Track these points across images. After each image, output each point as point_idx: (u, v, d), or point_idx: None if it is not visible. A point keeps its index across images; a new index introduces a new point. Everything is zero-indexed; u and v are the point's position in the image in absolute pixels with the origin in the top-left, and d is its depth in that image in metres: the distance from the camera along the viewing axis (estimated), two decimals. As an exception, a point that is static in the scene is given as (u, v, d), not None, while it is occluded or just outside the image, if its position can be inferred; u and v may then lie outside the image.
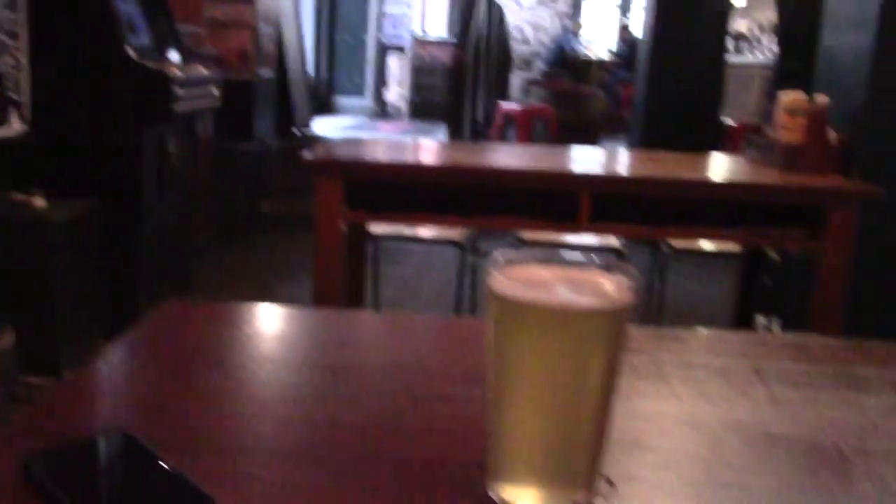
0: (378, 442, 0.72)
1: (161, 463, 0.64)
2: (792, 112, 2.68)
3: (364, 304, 3.35)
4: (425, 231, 3.51)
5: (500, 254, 0.63)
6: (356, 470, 0.67)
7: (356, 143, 3.33)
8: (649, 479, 0.67)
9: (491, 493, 0.63)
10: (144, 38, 3.81)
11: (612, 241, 3.33)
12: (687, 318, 4.14)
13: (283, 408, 0.78)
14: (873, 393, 0.87)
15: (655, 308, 3.54)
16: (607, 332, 0.59)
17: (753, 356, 0.95)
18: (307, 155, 2.56)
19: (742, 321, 3.33)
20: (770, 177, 2.67)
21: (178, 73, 3.73)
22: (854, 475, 0.69)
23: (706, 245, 3.59)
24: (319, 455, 0.69)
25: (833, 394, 0.86)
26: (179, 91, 3.63)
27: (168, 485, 0.62)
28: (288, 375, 0.85)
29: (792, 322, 3.37)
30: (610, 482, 0.66)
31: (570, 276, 0.63)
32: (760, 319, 3.49)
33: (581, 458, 0.62)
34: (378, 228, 3.46)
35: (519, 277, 0.61)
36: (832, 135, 2.72)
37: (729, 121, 6.91)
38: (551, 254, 0.64)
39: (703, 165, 3.08)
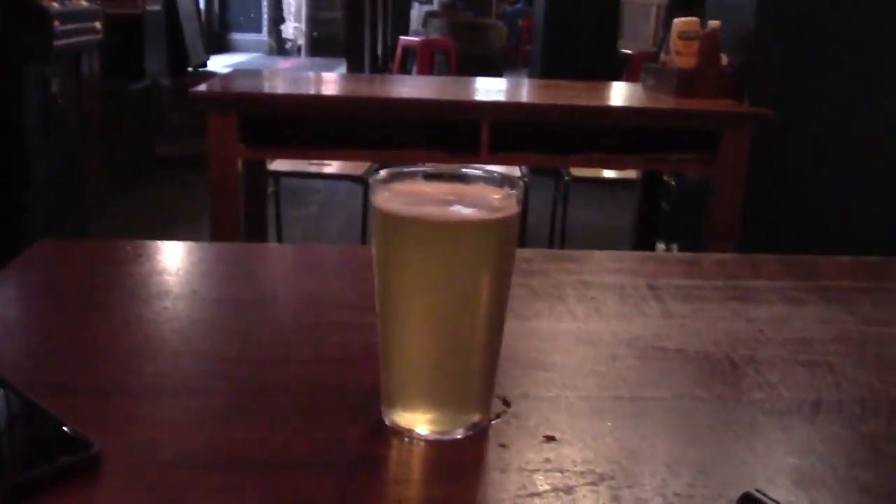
0: (269, 374, 0.69)
1: (35, 406, 0.60)
2: (685, 37, 2.71)
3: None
4: (327, 168, 3.45)
5: (384, 171, 0.60)
6: (247, 403, 0.64)
7: (251, 74, 3.22)
8: (546, 397, 0.67)
9: (386, 420, 0.61)
10: (17, -30, 3.57)
11: (516, 171, 3.33)
12: (588, 245, 4.20)
13: (168, 345, 0.75)
14: (763, 304, 0.88)
15: (558, 236, 3.58)
16: (492, 244, 0.58)
17: (647, 274, 0.96)
18: (199, 88, 2.46)
19: (641, 247, 3.40)
20: (665, 102, 2.70)
21: (55, 6, 3.52)
22: (745, 384, 0.70)
23: (606, 173, 3.64)
24: (208, 389, 0.66)
25: (724, 307, 0.87)
26: (59, 25, 3.43)
27: (44, 429, 0.58)
28: (173, 311, 0.82)
29: (690, 247, 3.46)
30: (506, 402, 0.65)
31: (454, 190, 0.60)
32: (660, 246, 3.57)
33: (474, 378, 0.60)
34: (279, 166, 3.38)
35: (402, 193, 0.59)
36: (724, 59, 2.76)
37: (628, 51, 6.97)
38: (437, 169, 0.62)
39: (601, 93, 3.10)
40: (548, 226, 3.76)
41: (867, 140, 2.96)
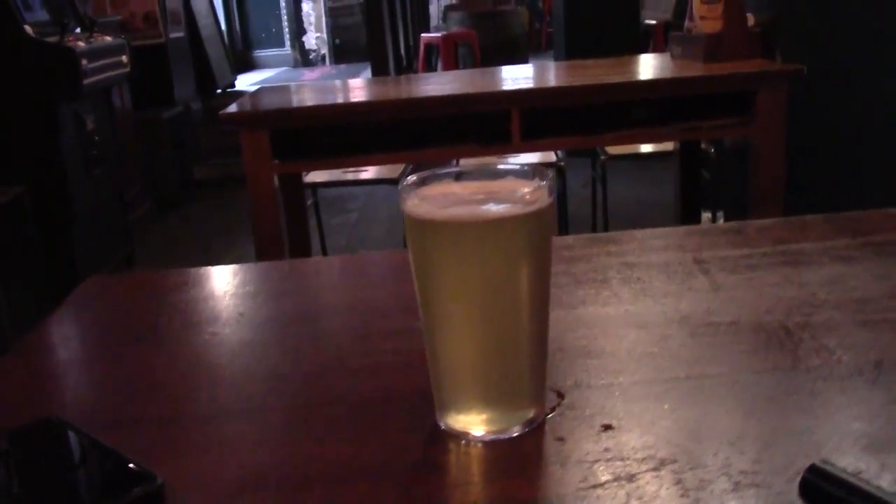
0: (322, 387, 0.70)
1: (98, 445, 0.61)
2: (708, 0, 2.66)
3: (312, 256, 3.31)
4: (364, 174, 3.46)
5: (412, 176, 0.60)
6: (302, 418, 0.65)
7: (277, 90, 3.24)
8: (599, 385, 0.66)
9: (441, 424, 0.61)
10: (40, 14, 3.64)
11: (551, 156, 3.31)
12: (633, 223, 4.16)
13: (219, 370, 0.75)
14: (814, 266, 0.87)
15: (600, 217, 3.55)
16: (528, 238, 0.57)
17: (692, 248, 0.94)
18: (228, 109, 2.49)
19: (687, 219, 3.36)
20: (695, 69, 2.66)
21: (81, 45, 3.58)
22: (802, 351, 0.69)
23: (643, 148, 3.59)
24: (263, 409, 0.67)
25: (774, 273, 0.85)
26: (86, 63, 3.49)
27: (109, 466, 0.59)
28: (222, 336, 0.82)
29: (736, 213, 3.41)
30: (560, 394, 0.65)
31: (484, 187, 0.60)
32: (705, 216, 3.52)
33: (525, 373, 0.60)
34: (315, 177, 3.40)
35: (432, 196, 0.59)
36: (751, 19, 2.71)
37: (651, 21, 6.88)
38: (465, 168, 0.62)
39: (629, 68, 3.06)
40: (589, 207, 3.74)
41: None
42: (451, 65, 7.46)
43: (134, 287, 1.05)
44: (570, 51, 5.73)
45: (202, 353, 0.79)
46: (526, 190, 0.58)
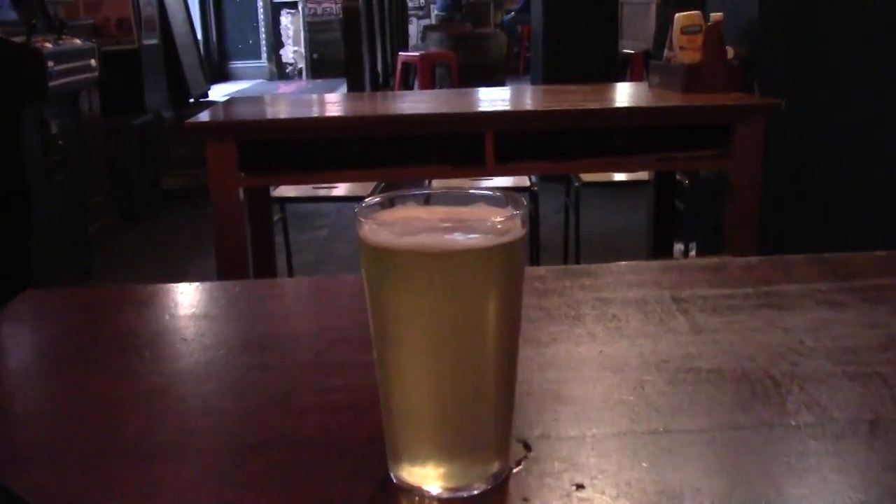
0: (263, 425, 0.63)
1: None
2: (688, 31, 2.64)
3: (278, 274, 3.23)
4: (335, 190, 3.39)
5: (369, 198, 0.54)
6: (237, 460, 0.58)
7: (248, 101, 3.17)
8: (570, 436, 0.60)
9: (393, 477, 0.55)
10: (9, 14, 3.55)
11: (525, 181, 3.26)
12: (604, 251, 4.13)
13: (153, 401, 0.68)
14: (799, 310, 0.81)
15: (572, 245, 3.51)
16: (497, 272, 0.51)
17: (670, 285, 0.89)
18: (194, 119, 2.41)
19: (659, 250, 3.32)
20: (673, 99, 2.63)
21: (49, 46, 3.49)
22: (790, 405, 0.63)
23: (617, 176, 3.56)
24: (198, 449, 0.60)
25: (757, 316, 0.80)
26: (53, 65, 3.40)
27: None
28: (162, 361, 0.75)
29: (709, 246, 3.38)
30: (526, 445, 0.58)
31: (451, 214, 0.54)
32: (678, 247, 3.49)
33: (489, 422, 0.54)
34: (284, 192, 3.32)
35: (391, 221, 0.52)
36: (730, 52, 2.69)
37: (629, 50, 6.91)
38: (431, 191, 0.56)
39: (606, 95, 3.03)
40: (561, 234, 3.69)
41: (887, 124, 2.88)
42: (428, 84, 7.43)
43: (75, 303, 0.97)
44: (548, 76, 5.72)
45: (136, 382, 0.72)
46: (497, 219, 0.52)
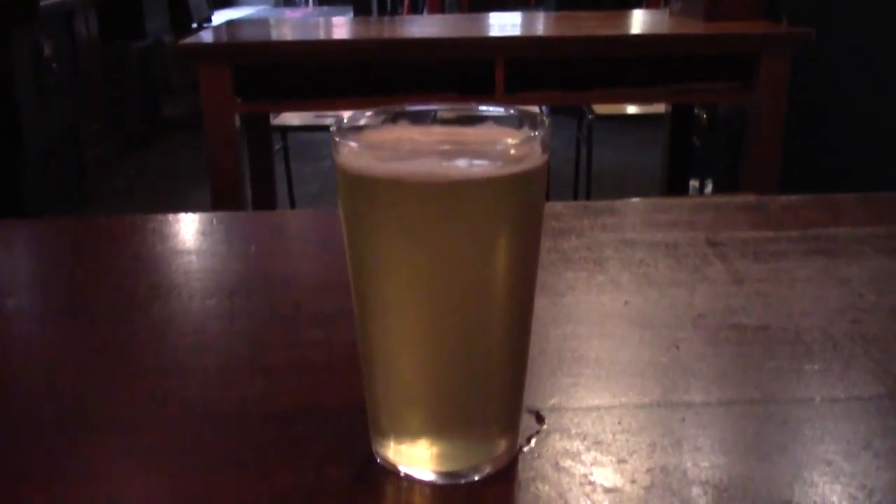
0: (226, 392, 0.53)
1: None
2: (715, -46, 2.47)
3: (278, 206, 3.12)
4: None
5: (350, 113, 0.43)
6: (193, 435, 0.48)
7: (250, 24, 3.02)
8: (591, 407, 0.50)
9: (376, 456, 0.45)
10: (-3, -72, 3.37)
11: (535, 111, 3.12)
12: (616, 188, 4.00)
13: (98, 358, 0.58)
14: (855, 258, 0.71)
15: (583, 181, 3.39)
16: (509, 208, 0.40)
17: (704, 226, 0.78)
18: (188, 40, 2.28)
19: (673, 187, 3.20)
20: (694, 27, 2.48)
21: (39, -37, 3.33)
22: (855, 373, 0.53)
23: (632, 109, 3.42)
24: (144, 418, 0.50)
25: (808, 264, 0.69)
26: (43, -16, 3.24)
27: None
28: (116, 307, 0.65)
29: (726, 184, 3.25)
30: (539, 418, 0.48)
31: (453, 135, 0.43)
32: (693, 184, 3.36)
33: (494, 392, 0.43)
34: (286, 120, 3.20)
35: (376, 143, 0.41)
36: (758, -24, 2.53)
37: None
38: (430, 108, 0.44)
39: (623, 22, 2.88)
40: (572, 169, 3.56)
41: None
42: (438, 11, 7.19)
43: (41, 234, 0.87)
44: (561, 5, 5.51)
45: (82, 332, 0.61)
46: (510, 142, 0.41)
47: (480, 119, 0.44)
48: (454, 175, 0.39)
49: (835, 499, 0.41)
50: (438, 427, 0.43)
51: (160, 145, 5.22)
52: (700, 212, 0.83)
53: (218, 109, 2.19)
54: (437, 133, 0.44)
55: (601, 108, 3.21)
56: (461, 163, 0.40)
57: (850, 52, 2.75)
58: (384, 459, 0.44)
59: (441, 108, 0.45)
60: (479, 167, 0.39)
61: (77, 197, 3.87)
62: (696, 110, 3.18)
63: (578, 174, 3.49)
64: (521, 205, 0.41)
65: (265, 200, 2.85)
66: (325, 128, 3.04)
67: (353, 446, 0.46)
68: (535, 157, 0.41)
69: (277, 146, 3.22)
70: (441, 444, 0.43)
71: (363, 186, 0.40)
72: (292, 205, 3.48)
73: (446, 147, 0.42)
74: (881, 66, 2.71)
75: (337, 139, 0.41)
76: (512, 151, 0.41)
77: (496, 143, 0.42)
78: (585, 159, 3.30)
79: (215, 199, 2.26)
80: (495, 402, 0.44)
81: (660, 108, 3.26)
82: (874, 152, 2.77)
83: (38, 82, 3.45)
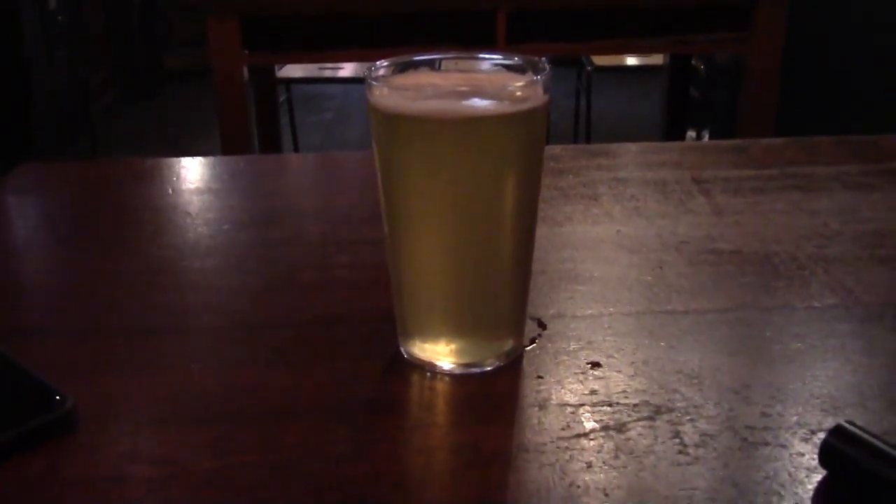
0: (267, 304, 0.61)
1: (1, 356, 0.52)
2: None
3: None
4: (341, 72, 3.31)
5: (381, 61, 0.50)
6: (241, 341, 0.56)
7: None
8: (586, 315, 0.58)
9: (404, 353, 0.53)
10: None
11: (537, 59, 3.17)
12: (616, 138, 4.06)
13: (155, 277, 0.66)
14: (825, 193, 0.78)
15: (582, 130, 3.45)
16: (516, 141, 0.48)
17: (690, 165, 0.86)
18: (195, -6, 2.32)
19: (671, 137, 3.26)
20: (693, -21, 2.52)
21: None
22: (815, 287, 0.61)
23: (630, 61, 3.47)
24: (196, 327, 0.58)
25: (782, 198, 0.77)
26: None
27: (12, 382, 0.51)
28: (162, 237, 0.73)
29: (723, 134, 3.32)
30: (541, 323, 0.57)
31: (468, 80, 0.51)
32: (690, 134, 3.43)
33: (503, 298, 0.52)
34: (289, 72, 3.25)
35: (404, 86, 0.49)
36: (756, -72, 2.56)
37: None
38: (446, 56, 0.52)
39: (623, -26, 2.91)
40: (571, 120, 3.62)
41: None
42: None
43: (74, 176, 0.94)
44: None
45: (136, 258, 0.69)
46: (517, 84, 0.49)
47: (490, 65, 0.52)
48: (469, 112, 0.47)
49: (786, 383, 0.50)
50: (456, 327, 0.52)
51: (164, 96, 5.26)
52: (688, 153, 0.91)
53: (226, 61, 2.24)
54: (454, 78, 0.51)
55: (600, 60, 3.26)
56: (475, 102, 0.47)
57: (849, 4, 2.79)
58: (411, 354, 0.52)
59: (457, 56, 0.52)
60: (490, 105, 0.47)
61: (84, 146, 3.93)
62: (693, 61, 3.23)
63: (578, 125, 3.55)
64: (526, 139, 0.48)
65: (271, 149, 2.91)
66: (328, 80, 3.09)
67: (383, 346, 0.54)
68: (538, 98, 0.48)
69: (282, 98, 3.28)
70: (459, 342, 0.52)
71: (393, 122, 0.47)
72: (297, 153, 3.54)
73: (463, 89, 0.49)
74: (878, 19, 2.75)
75: (370, 81, 0.48)
76: (518, 93, 0.48)
77: (505, 85, 0.49)
78: (585, 110, 3.36)
79: (225, 149, 2.33)
80: (503, 308, 0.52)
81: (658, 59, 3.31)
82: (870, 103, 2.83)
83: (45, 34, 3.49)
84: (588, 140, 3.44)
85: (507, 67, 0.52)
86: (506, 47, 2.34)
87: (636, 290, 0.61)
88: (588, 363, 0.52)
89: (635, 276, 0.63)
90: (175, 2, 5.49)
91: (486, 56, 0.52)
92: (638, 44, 2.54)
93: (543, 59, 0.51)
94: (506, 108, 0.47)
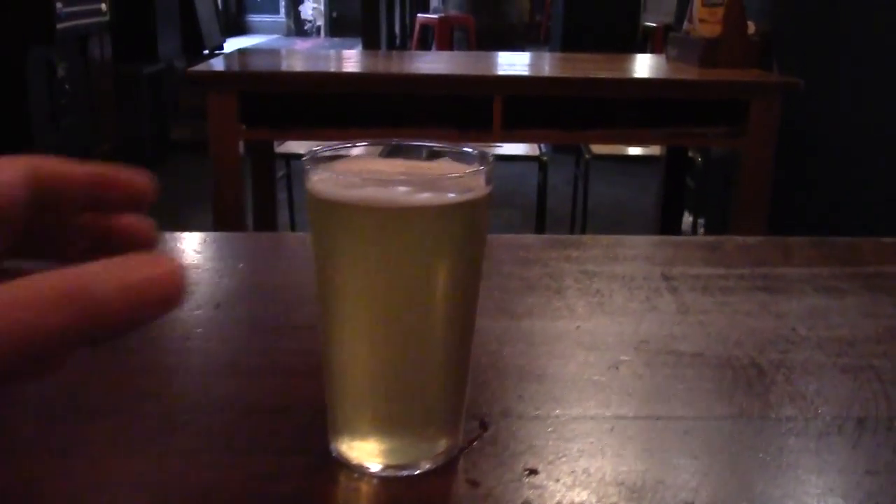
0: (201, 389, 0.59)
1: None
2: (709, 3, 2.56)
3: (279, 230, 3.19)
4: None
5: (323, 146, 0.49)
6: (167, 426, 0.54)
7: (257, 53, 3.11)
8: (532, 416, 0.55)
9: (332, 451, 0.50)
10: (18, -48, 3.48)
11: (535, 150, 3.20)
12: (612, 226, 4.07)
13: (92, 357, 0.64)
14: (796, 296, 0.76)
15: (579, 217, 3.46)
16: (453, 232, 0.46)
17: (662, 261, 0.84)
18: (197, 67, 2.36)
19: (667, 226, 3.27)
20: (689, 73, 2.56)
21: (58, -12, 3.43)
22: (774, 396, 0.58)
23: (629, 150, 3.50)
24: (124, 410, 0.56)
25: (750, 299, 0.75)
26: (61, 7, 3.34)
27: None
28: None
29: (717, 224, 3.32)
30: (483, 423, 0.54)
31: (412, 167, 0.49)
32: (687, 219, 3.43)
33: (436, 396, 0.49)
34: (290, 148, 3.28)
35: (344, 172, 0.48)
36: (751, 27, 2.61)
37: (652, 24, 6.78)
38: (395, 143, 0.51)
39: (621, 66, 2.96)
40: (569, 206, 3.64)
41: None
42: (446, 48, 7.32)
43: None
44: (566, 45, 5.62)
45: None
46: (457, 175, 0.48)
47: (439, 154, 0.51)
48: (404, 202, 0.45)
49: (735, 501, 0.47)
50: (385, 425, 0.49)
51: (167, 167, 5.30)
52: (660, 248, 0.89)
53: (223, 135, 2.26)
54: (397, 165, 0.50)
55: (599, 149, 3.28)
56: (412, 191, 0.46)
57: (840, 103, 2.82)
58: (340, 454, 0.50)
59: (404, 145, 0.51)
60: (426, 196, 0.45)
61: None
62: (690, 153, 3.26)
63: (575, 210, 3.56)
64: (463, 231, 0.47)
65: (266, 224, 2.92)
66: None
67: (315, 440, 0.51)
68: (480, 189, 0.47)
69: (281, 173, 3.30)
70: (387, 441, 0.49)
71: (327, 209, 0.46)
72: (293, 229, 3.55)
73: (403, 178, 0.48)
74: (870, 118, 2.78)
75: (308, 167, 0.47)
76: (461, 183, 0.47)
77: (449, 175, 0.48)
78: (582, 197, 3.38)
79: (217, 222, 2.33)
80: (438, 407, 0.50)
81: (656, 149, 3.34)
82: (862, 198, 2.83)
83: (52, 102, 3.54)
84: (584, 226, 3.45)
85: (455, 156, 0.50)
86: (502, 133, 2.36)
87: (587, 392, 0.59)
88: (525, 469, 0.49)
89: (588, 376, 0.61)
90: (179, 75, 5.59)
91: (434, 145, 0.50)
92: (634, 134, 2.57)
93: (542, 149, 0.49)
94: (442, 199, 0.46)
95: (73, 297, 0.26)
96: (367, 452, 0.49)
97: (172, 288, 0.28)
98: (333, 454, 0.50)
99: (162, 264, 0.28)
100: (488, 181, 0.47)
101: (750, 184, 2.42)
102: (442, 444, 0.50)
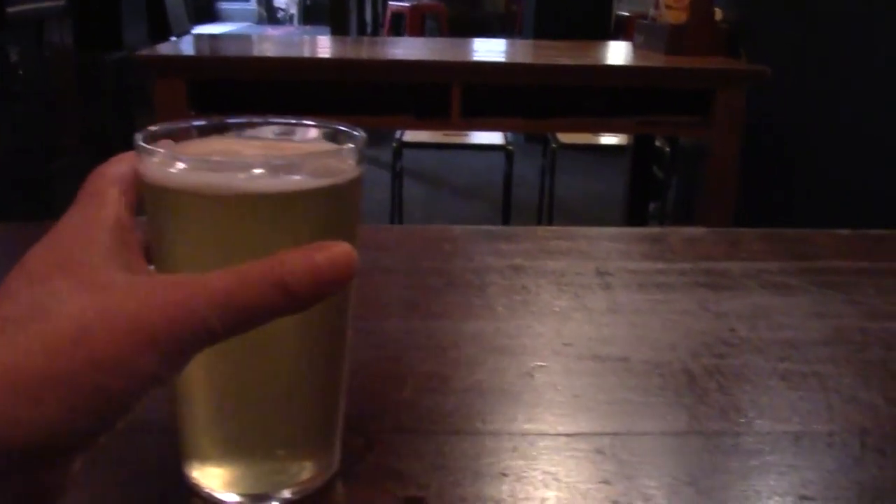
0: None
1: None
2: (676, -11, 2.50)
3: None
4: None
5: (166, 124, 0.42)
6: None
7: (208, 39, 3.02)
8: (425, 431, 0.48)
9: (187, 476, 0.43)
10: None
11: (498, 137, 3.13)
12: (579, 216, 4.02)
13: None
14: (739, 293, 0.70)
15: (546, 206, 3.40)
16: (312, 221, 0.39)
17: (599, 256, 0.77)
18: (143, 52, 2.27)
19: (634, 216, 3.22)
20: (655, 60, 2.50)
21: (8, -30, 3.31)
22: (703, 409, 0.52)
23: (596, 140, 3.44)
24: None
25: (689, 296, 0.69)
26: (11, -9, 3.22)
27: None
28: None
29: (686, 216, 3.27)
30: (368, 443, 0.47)
31: (270, 147, 0.43)
32: (651, 207, 3.38)
33: (300, 415, 0.42)
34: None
35: (188, 153, 0.40)
36: (718, 14, 2.56)
37: (625, 13, 6.72)
38: (257, 120, 0.44)
39: (586, 53, 2.90)
40: (536, 196, 3.57)
41: (873, 96, 2.75)
42: (417, 33, 7.23)
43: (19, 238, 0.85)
44: (539, 35, 5.55)
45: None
46: (327, 156, 0.40)
47: (304, 132, 0.44)
48: (253, 188, 0.38)
49: (642, 536, 0.40)
50: (239, 450, 0.42)
51: (130, 157, 5.18)
52: (598, 241, 0.83)
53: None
54: (253, 146, 0.43)
55: (567, 138, 3.22)
56: (265, 175, 0.38)
57: (808, 91, 2.77)
58: (193, 481, 0.43)
59: (266, 122, 0.44)
60: (274, 181, 0.38)
61: (44, 208, 3.83)
62: (657, 142, 3.20)
63: (542, 200, 3.50)
64: (325, 219, 0.39)
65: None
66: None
67: (165, 466, 0.44)
68: (349, 171, 0.40)
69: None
70: (241, 467, 0.42)
71: (161, 197, 0.38)
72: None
73: (260, 160, 0.40)
74: (837, 107, 2.73)
75: (141, 147, 0.39)
76: (326, 165, 0.39)
77: (313, 156, 0.41)
78: (549, 187, 3.31)
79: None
80: (296, 429, 0.42)
81: (624, 139, 3.29)
82: (830, 189, 2.79)
83: (3, 88, 3.42)
84: (551, 216, 3.39)
85: (324, 135, 0.43)
86: (460, 120, 2.29)
87: (493, 404, 0.52)
88: (405, 498, 0.42)
89: (498, 384, 0.54)
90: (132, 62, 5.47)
91: (298, 122, 0.43)
92: (598, 122, 2.51)
93: (507, 137, 0.42)
94: (292, 183, 0.38)
95: (274, 280, 0.32)
96: (217, 480, 0.42)
97: (348, 267, 0.34)
98: (188, 482, 0.43)
99: (338, 247, 0.34)
100: (358, 161, 0.40)
101: (716, 173, 2.37)
102: (308, 470, 0.43)
